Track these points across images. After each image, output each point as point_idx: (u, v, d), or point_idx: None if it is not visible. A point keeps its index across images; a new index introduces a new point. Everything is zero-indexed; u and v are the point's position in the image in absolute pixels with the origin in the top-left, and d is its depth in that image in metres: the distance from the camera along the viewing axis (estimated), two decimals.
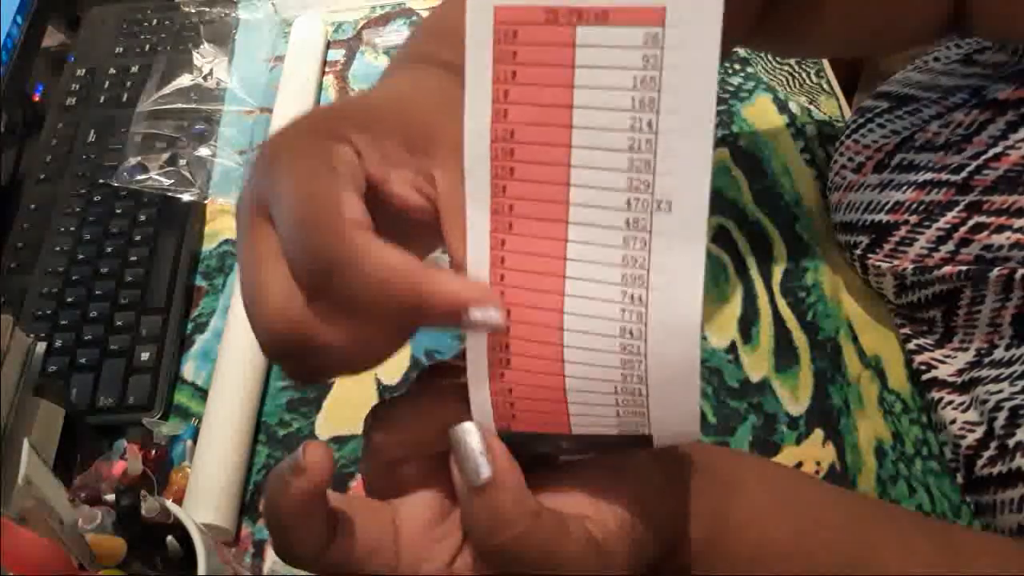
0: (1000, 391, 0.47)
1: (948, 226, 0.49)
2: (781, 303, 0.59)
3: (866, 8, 0.51)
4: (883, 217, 0.53)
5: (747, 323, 0.58)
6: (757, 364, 0.57)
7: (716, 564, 0.34)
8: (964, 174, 0.49)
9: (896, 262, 0.52)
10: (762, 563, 0.35)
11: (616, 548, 0.30)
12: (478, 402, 0.29)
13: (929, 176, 0.51)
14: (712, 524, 0.34)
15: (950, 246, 0.49)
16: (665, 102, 0.24)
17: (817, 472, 0.52)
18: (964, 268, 0.48)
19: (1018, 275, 0.46)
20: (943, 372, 0.52)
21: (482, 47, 0.25)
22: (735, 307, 0.59)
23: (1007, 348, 0.48)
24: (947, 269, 0.49)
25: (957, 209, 0.49)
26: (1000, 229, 0.47)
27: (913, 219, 0.51)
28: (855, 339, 0.57)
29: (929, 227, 0.50)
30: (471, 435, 0.28)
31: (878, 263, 0.53)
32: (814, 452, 0.53)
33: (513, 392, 0.28)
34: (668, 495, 0.32)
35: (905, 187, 0.52)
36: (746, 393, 0.55)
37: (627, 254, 0.25)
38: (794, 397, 0.55)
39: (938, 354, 0.53)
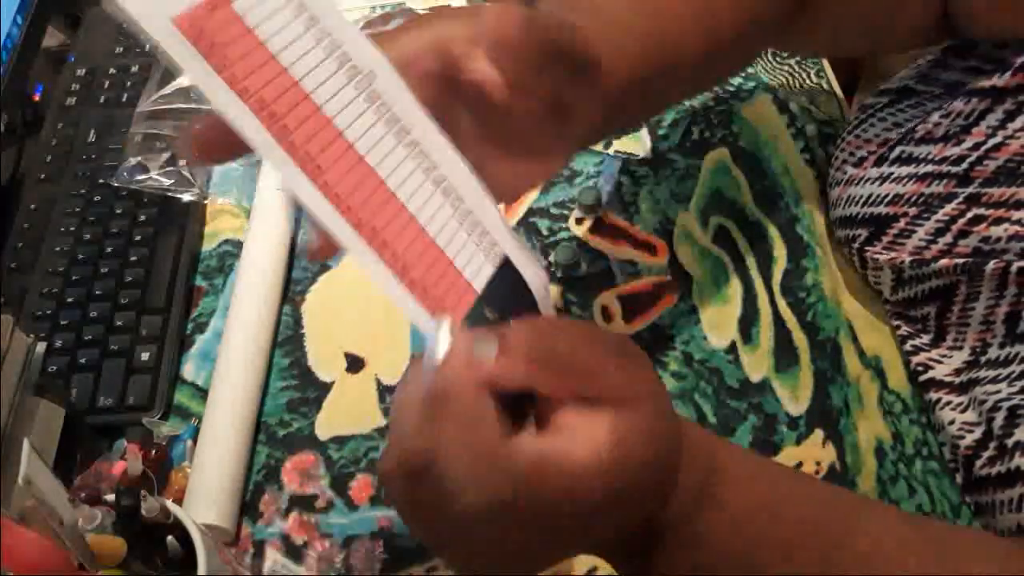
0: (998, 391, 0.47)
1: (947, 218, 0.50)
2: (781, 303, 0.59)
3: (862, 10, 0.53)
4: (882, 210, 0.53)
5: (747, 323, 0.58)
6: (757, 364, 0.57)
7: (691, 540, 0.34)
8: (965, 165, 0.49)
9: (894, 254, 0.52)
10: (738, 543, 0.35)
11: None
12: (411, 312, 0.32)
13: (929, 168, 0.51)
14: (693, 500, 0.34)
15: (948, 238, 0.49)
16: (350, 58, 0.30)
17: (817, 472, 0.52)
18: (961, 261, 0.49)
19: (1013, 268, 0.46)
20: (940, 372, 0.52)
21: (187, 52, 0.28)
22: (735, 307, 0.59)
23: (1000, 347, 0.49)
24: (944, 262, 0.49)
25: (956, 201, 0.49)
26: (998, 221, 0.47)
27: (912, 211, 0.51)
28: (855, 339, 0.57)
29: (928, 219, 0.50)
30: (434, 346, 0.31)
31: (876, 255, 0.53)
32: (814, 452, 0.53)
33: (427, 291, 0.32)
34: (658, 463, 0.32)
35: (905, 179, 0.52)
36: (746, 393, 0.55)
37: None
38: (794, 397, 0.55)
39: (934, 354, 0.53)
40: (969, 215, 0.49)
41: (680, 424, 0.34)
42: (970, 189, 0.49)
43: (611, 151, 0.69)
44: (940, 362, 0.52)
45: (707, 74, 0.52)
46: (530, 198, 0.67)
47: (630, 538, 0.34)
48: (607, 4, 0.43)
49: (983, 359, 0.50)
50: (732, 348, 0.57)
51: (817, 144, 0.67)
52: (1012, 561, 0.38)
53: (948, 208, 0.49)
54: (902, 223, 0.52)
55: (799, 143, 0.67)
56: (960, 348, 0.51)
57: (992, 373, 0.48)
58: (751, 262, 0.62)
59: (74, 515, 0.38)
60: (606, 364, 0.31)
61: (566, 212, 0.65)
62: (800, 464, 0.52)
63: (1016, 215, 0.47)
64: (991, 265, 0.47)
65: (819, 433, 0.53)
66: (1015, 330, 0.48)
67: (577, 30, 0.36)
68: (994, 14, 0.49)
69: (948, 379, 0.51)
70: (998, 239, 0.47)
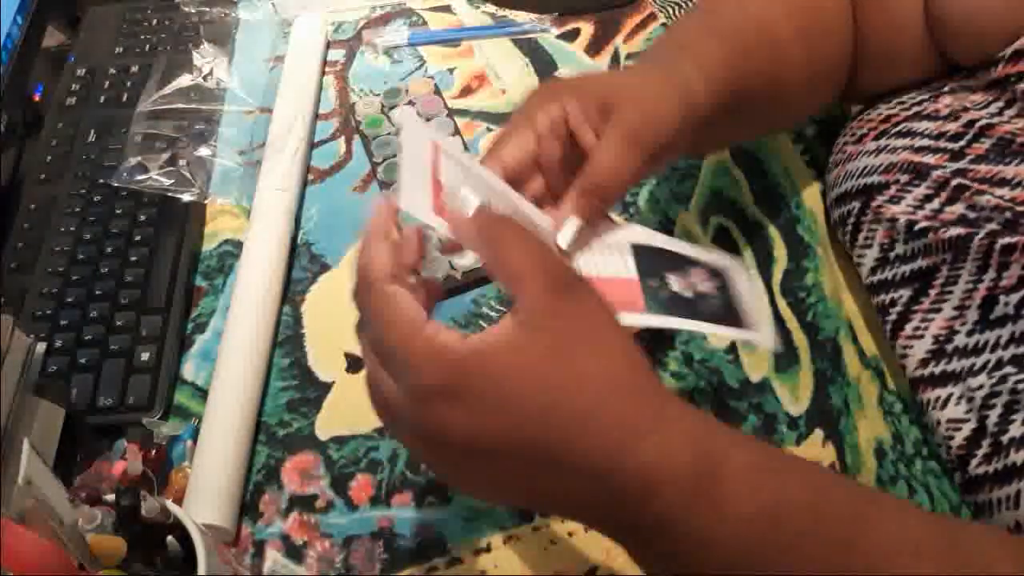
0: (981, 385, 0.47)
1: (936, 184, 0.51)
2: (781, 303, 0.59)
3: (886, 68, 0.58)
4: (875, 179, 0.54)
5: None
6: (757, 364, 0.57)
7: (686, 536, 0.33)
8: (962, 143, 0.51)
9: (888, 222, 0.53)
10: (734, 547, 0.33)
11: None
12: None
13: (926, 142, 0.53)
14: (692, 491, 0.32)
15: (936, 203, 0.51)
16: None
17: None
18: (947, 236, 0.49)
19: (998, 244, 0.47)
20: (910, 367, 0.52)
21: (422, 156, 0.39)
22: None
23: (969, 335, 0.49)
24: (932, 237, 0.50)
25: (945, 170, 0.51)
26: (982, 192, 0.49)
27: (904, 178, 0.53)
28: (855, 339, 0.57)
29: (918, 185, 0.52)
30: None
31: (879, 212, 0.54)
32: (814, 452, 0.53)
33: None
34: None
35: (900, 150, 0.54)
36: (746, 393, 0.55)
37: None
38: (794, 397, 0.55)
39: (897, 346, 0.53)
40: (954, 183, 0.50)
41: (665, 395, 0.34)
42: (960, 164, 0.50)
43: None
44: (905, 355, 0.52)
45: (776, 114, 0.60)
46: None
47: (611, 502, 0.33)
48: (699, 44, 0.52)
49: (949, 347, 0.50)
50: (732, 348, 0.57)
51: (817, 144, 0.67)
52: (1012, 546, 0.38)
53: (936, 174, 0.51)
54: (893, 190, 0.53)
55: (799, 144, 0.67)
56: (921, 337, 0.51)
57: (966, 363, 0.49)
58: (751, 262, 0.62)
59: (74, 515, 0.38)
60: (534, 277, 0.33)
61: None
62: None
63: (999, 191, 0.48)
64: (976, 241, 0.48)
65: (819, 433, 0.53)
66: (988, 316, 0.48)
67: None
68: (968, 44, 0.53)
69: (919, 373, 0.52)
70: (983, 208, 0.49)
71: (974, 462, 0.48)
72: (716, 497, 0.32)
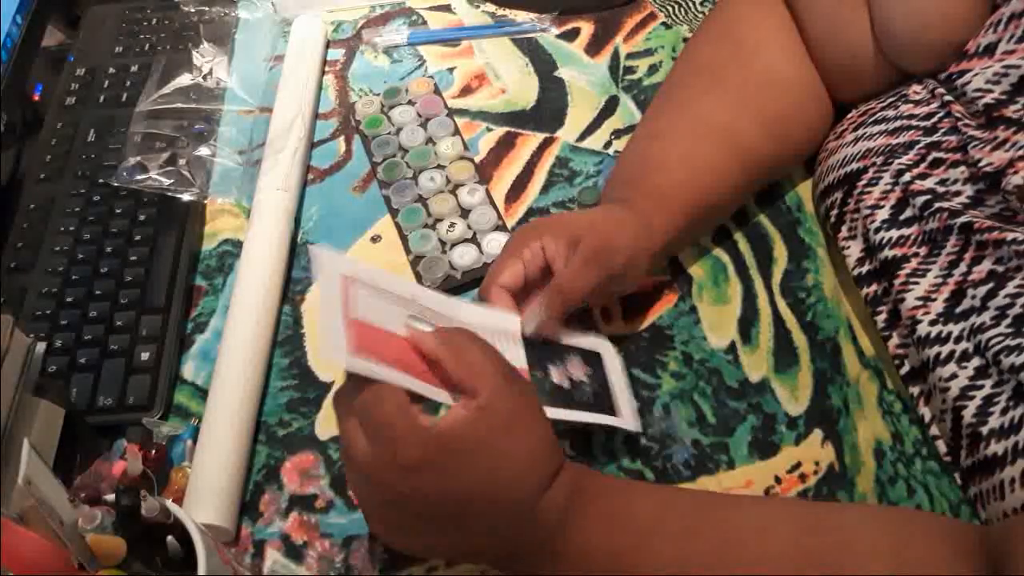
0: (954, 377, 0.48)
1: (909, 162, 0.53)
2: (781, 303, 0.59)
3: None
4: (854, 166, 0.56)
5: (747, 323, 0.58)
6: (757, 364, 0.57)
7: (562, 549, 0.42)
8: (934, 119, 0.53)
9: (868, 211, 0.54)
10: (598, 543, 0.42)
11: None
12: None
13: (900, 123, 0.55)
14: (560, 512, 0.42)
15: (907, 177, 0.53)
16: None
17: (816, 472, 0.52)
18: (928, 228, 0.51)
19: (957, 223, 0.49)
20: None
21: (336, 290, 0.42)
22: (735, 307, 0.59)
23: (932, 324, 0.49)
24: (905, 231, 0.52)
25: (918, 147, 0.53)
26: (955, 164, 0.51)
27: (879, 160, 0.54)
28: (855, 339, 0.57)
29: (891, 164, 0.54)
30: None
31: (860, 199, 0.55)
32: (813, 452, 0.53)
33: None
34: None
35: (877, 135, 0.56)
36: (745, 393, 0.55)
37: None
38: (793, 397, 0.55)
39: (890, 344, 0.54)
40: (930, 159, 0.52)
41: (560, 453, 0.44)
42: (932, 138, 0.53)
43: (611, 151, 0.69)
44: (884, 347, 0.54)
45: (745, 199, 0.64)
46: (530, 198, 0.67)
47: (513, 538, 0.42)
48: (661, 171, 0.58)
49: (912, 337, 0.50)
50: (732, 348, 0.57)
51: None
52: (902, 526, 0.41)
53: (911, 154, 0.53)
54: (870, 173, 0.55)
55: None
56: (888, 335, 0.54)
57: (932, 352, 0.49)
58: (751, 262, 0.62)
59: (74, 515, 0.38)
60: (485, 368, 0.41)
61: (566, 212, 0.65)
62: (798, 464, 0.52)
63: (966, 157, 0.50)
64: (952, 239, 0.49)
65: (818, 433, 0.53)
66: (954, 309, 0.49)
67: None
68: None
69: (896, 363, 0.53)
70: (955, 181, 0.51)
71: (962, 455, 0.48)
72: (583, 507, 0.43)
